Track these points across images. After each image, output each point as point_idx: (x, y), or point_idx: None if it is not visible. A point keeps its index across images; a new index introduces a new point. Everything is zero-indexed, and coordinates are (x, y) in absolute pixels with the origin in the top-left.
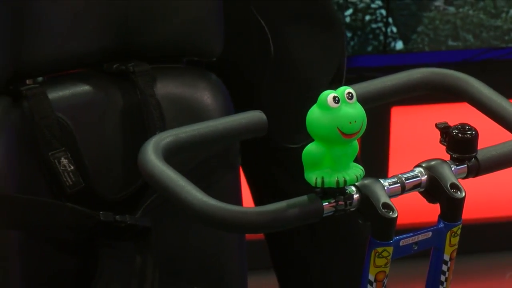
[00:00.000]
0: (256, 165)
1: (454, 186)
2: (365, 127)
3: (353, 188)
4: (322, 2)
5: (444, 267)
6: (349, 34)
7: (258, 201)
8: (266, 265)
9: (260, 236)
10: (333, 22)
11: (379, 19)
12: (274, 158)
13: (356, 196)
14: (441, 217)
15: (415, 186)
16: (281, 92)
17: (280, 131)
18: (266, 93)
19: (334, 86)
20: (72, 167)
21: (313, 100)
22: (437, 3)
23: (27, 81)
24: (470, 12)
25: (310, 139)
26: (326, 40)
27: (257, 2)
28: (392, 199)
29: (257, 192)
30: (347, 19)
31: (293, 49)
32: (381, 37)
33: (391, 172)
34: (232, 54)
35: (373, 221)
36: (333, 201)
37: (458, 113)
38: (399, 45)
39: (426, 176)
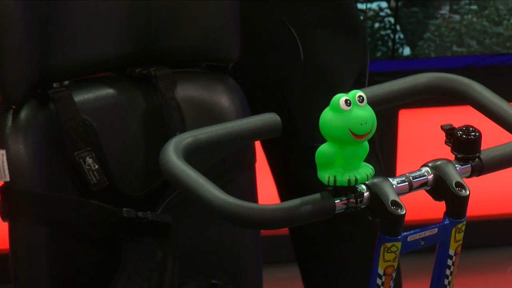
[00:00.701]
0: (284, 164)
1: (459, 185)
2: (375, 128)
3: (364, 187)
4: (348, 10)
5: (449, 262)
6: None
7: (283, 197)
8: (280, 259)
9: (275, 231)
10: (358, 28)
11: (387, 26)
12: (302, 156)
13: (366, 194)
14: (447, 214)
15: (422, 185)
16: (309, 94)
17: (308, 131)
18: (296, 95)
19: (356, 89)
20: (96, 166)
21: None
22: (442, 11)
23: (54, 85)
24: (474, 19)
25: None
26: (351, 45)
27: (288, 12)
28: (400, 197)
29: (283, 189)
30: None
31: (321, 54)
32: (390, 44)
33: (398, 171)
34: (264, 60)
35: (382, 217)
36: (345, 198)
37: (462, 116)
38: (407, 51)
39: (432, 175)
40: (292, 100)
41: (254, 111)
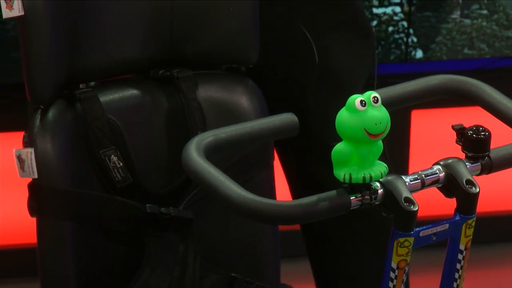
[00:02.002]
0: (298, 162)
1: (469, 182)
2: (389, 128)
3: (378, 184)
4: (358, 13)
5: (460, 256)
6: None
7: (296, 195)
8: (298, 253)
9: (292, 226)
10: (368, 32)
11: (401, 30)
12: (317, 155)
13: (380, 191)
14: (457, 210)
15: (434, 182)
16: (324, 95)
17: (324, 131)
18: (311, 96)
19: (366, 90)
20: (121, 164)
21: None
22: (454, 16)
23: (81, 86)
24: (484, 23)
25: None
26: (362, 48)
27: (302, 16)
28: (413, 193)
29: (296, 187)
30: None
31: (335, 57)
32: (403, 47)
33: (411, 169)
34: (281, 63)
35: (395, 213)
36: (360, 195)
37: (473, 116)
38: (419, 54)
39: (443, 173)
40: (308, 101)
41: (271, 111)
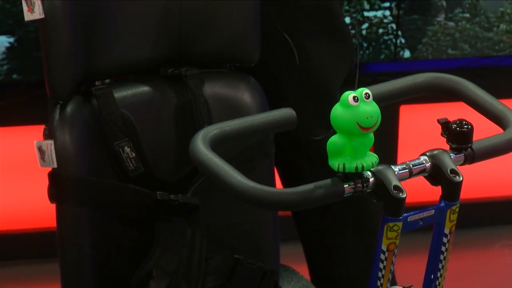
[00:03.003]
0: (282, 156)
1: (453, 172)
2: (379, 121)
3: (369, 173)
4: (336, 20)
5: (445, 240)
6: (365, 44)
7: (284, 185)
8: (296, 237)
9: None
10: (345, 36)
11: (390, 32)
12: (298, 149)
13: (371, 179)
14: (442, 197)
15: (421, 172)
16: (304, 94)
17: (304, 126)
18: (293, 94)
19: (345, 88)
20: (133, 155)
21: (329, 100)
22: (439, 19)
23: (96, 83)
24: (467, 26)
25: (329, 133)
26: (339, 51)
27: (285, 24)
28: (402, 182)
29: (283, 178)
30: (364, 32)
31: (314, 59)
32: (392, 47)
33: (400, 159)
34: (265, 64)
35: (385, 200)
36: (352, 183)
37: (456, 111)
38: (407, 53)
39: (430, 163)
40: (289, 100)
41: None
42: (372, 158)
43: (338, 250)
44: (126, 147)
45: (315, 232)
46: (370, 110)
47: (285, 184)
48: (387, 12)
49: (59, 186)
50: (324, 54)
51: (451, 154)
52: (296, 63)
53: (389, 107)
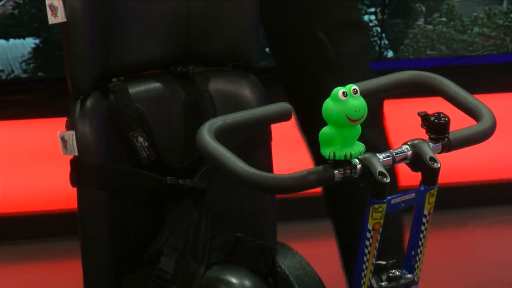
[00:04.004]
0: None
1: (432, 159)
2: (366, 114)
3: (357, 160)
4: (357, 11)
5: (424, 220)
6: None
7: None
8: (291, 217)
9: (287, 195)
10: (365, 28)
11: (375, 34)
12: None
13: (359, 166)
14: (422, 182)
15: (403, 159)
16: (335, 85)
17: None
18: (330, 86)
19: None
20: (146, 144)
21: None
22: (419, 23)
23: (113, 79)
24: (444, 29)
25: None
26: (364, 39)
27: (315, 19)
28: (386, 168)
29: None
30: None
31: (346, 50)
32: (377, 48)
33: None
34: (296, 62)
35: (371, 185)
36: (342, 170)
37: (435, 105)
38: (390, 53)
39: (411, 151)
40: (322, 93)
41: (294, 101)
42: (359, 147)
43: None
44: (139, 137)
45: (342, 211)
46: (358, 104)
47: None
48: (373, 17)
49: (79, 172)
50: (355, 47)
51: (430, 144)
52: (328, 56)
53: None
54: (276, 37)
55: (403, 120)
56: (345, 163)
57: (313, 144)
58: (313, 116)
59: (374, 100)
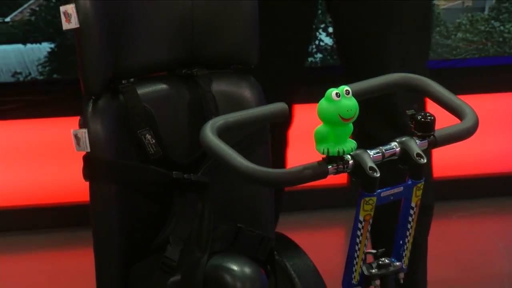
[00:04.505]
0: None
1: (419, 155)
2: (357, 114)
3: (349, 156)
4: None
5: (411, 211)
6: None
7: None
8: (288, 209)
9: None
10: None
11: None
12: (395, 124)
13: (351, 162)
14: (409, 176)
15: (392, 155)
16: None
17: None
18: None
19: None
20: (153, 141)
21: None
22: None
23: (123, 81)
24: None
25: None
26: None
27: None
28: (376, 164)
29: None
30: None
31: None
32: None
33: None
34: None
35: (362, 179)
36: (335, 165)
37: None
38: None
39: (399, 148)
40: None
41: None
42: (351, 144)
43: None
44: (147, 134)
45: None
46: (350, 104)
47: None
48: None
49: (91, 167)
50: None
51: (416, 141)
52: (395, 56)
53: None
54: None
55: None
56: (338, 158)
57: None
58: None
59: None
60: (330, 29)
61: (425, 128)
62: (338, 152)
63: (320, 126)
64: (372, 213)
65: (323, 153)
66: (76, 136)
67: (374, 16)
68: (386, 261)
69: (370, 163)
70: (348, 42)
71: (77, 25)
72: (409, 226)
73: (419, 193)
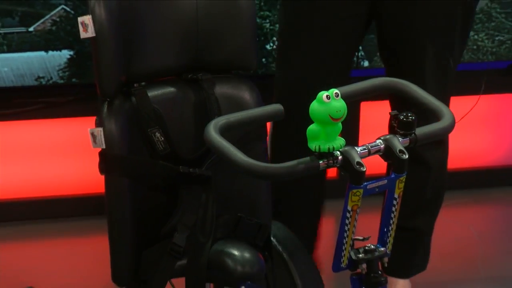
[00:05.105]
0: None
1: (401, 151)
2: (346, 114)
3: (338, 153)
4: None
5: (394, 202)
6: None
7: None
8: None
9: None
10: None
11: None
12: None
13: (340, 157)
14: (393, 171)
15: (377, 151)
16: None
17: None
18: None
19: None
20: (162, 138)
21: None
22: None
23: (135, 85)
24: None
25: None
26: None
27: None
28: (363, 159)
29: None
30: None
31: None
32: (355, 58)
33: (361, 142)
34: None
35: (350, 173)
36: (326, 160)
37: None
38: (366, 63)
39: (383, 145)
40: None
41: None
42: (340, 141)
43: None
44: (157, 132)
45: None
46: (339, 105)
47: None
48: None
49: (106, 162)
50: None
51: (399, 138)
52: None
53: (353, 103)
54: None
55: (377, 119)
56: (329, 154)
57: None
58: None
59: None
60: None
61: (407, 127)
62: (329, 148)
63: (312, 125)
64: (359, 204)
65: (315, 150)
66: (92, 134)
67: (420, 17)
68: (372, 246)
69: (357, 159)
70: (393, 44)
71: (93, 34)
72: (392, 215)
73: (401, 185)
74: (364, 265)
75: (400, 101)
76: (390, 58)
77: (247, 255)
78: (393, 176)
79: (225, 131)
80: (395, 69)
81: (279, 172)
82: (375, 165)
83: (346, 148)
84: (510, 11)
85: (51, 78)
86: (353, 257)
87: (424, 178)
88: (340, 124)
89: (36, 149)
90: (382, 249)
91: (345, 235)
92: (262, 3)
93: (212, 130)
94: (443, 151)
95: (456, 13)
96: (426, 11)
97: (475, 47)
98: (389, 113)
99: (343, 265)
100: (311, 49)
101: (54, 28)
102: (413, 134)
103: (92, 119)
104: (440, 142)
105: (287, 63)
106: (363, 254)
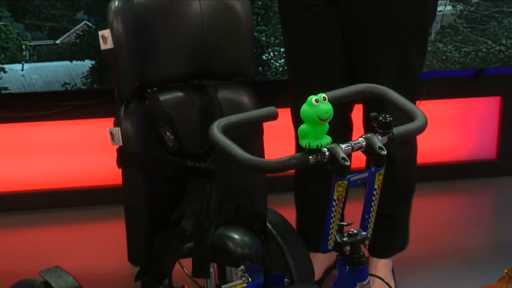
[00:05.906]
0: None
1: (380, 148)
2: (332, 115)
3: (325, 149)
4: None
5: (374, 193)
6: None
7: None
8: (277, 190)
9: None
10: None
11: None
12: None
13: (327, 153)
14: (373, 165)
15: (359, 148)
16: None
17: None
18: None
19: None
20: (172, 137)
21: None
22: None
23: (148, 90)
24: None
25: None
26: None
27: None
28: (347, 154)
29: None
30: None
31: None
32: None
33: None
34: None
35: (336, 167)
36: (314, 156)
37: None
38: None
39: (365, 142)
40: None
41: None
42: (327, 139)
43: None
44: (167, 132)
45: None
46: (326, 108)
47: None
48: None
49: (123, 158)
50: None
51: (379, 137)
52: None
53: (341, 105)
54: None
55: (360, 119)
56: (317, 151)
57: None
58: None
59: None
60: None
61: (385, 127)
62: (317, 145)
63: (303, 125)
64: (343, 194)
65: (305, 147)
66: (111, 133)
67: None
68: (355, 231)
69: (342, 154)
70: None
71: (112, 46)
72: (372, 204)
73: (381, 178)
74: (348, 247)
75: (372, 104)
76: (354, 66)
77: (246, 238)
78: (373, 169)
79: (227, 130)
80: (361, 77)
81: (273, 166)
82: (357, 160)
83: (332, 145)
84: (474, 26)
85: (75, 84)
86: (339, 240)
87: (392, 171)
88: (327, 124)
89: (61, 146)
90: (363, 233)
91: (332, 221)
92: (259, 19)
93: (216, 130)
94: (411, 149)
95: (413, 23)
96: (383, 21)
97: (444, 57)
98: (370, 114)
99: (329, 247)
100: (315, 77)
101: (78, 41)
102: (390, 133)
103: (111, 120)
104: (408, 140)
105: (300, 95)
106: (347, 238)
